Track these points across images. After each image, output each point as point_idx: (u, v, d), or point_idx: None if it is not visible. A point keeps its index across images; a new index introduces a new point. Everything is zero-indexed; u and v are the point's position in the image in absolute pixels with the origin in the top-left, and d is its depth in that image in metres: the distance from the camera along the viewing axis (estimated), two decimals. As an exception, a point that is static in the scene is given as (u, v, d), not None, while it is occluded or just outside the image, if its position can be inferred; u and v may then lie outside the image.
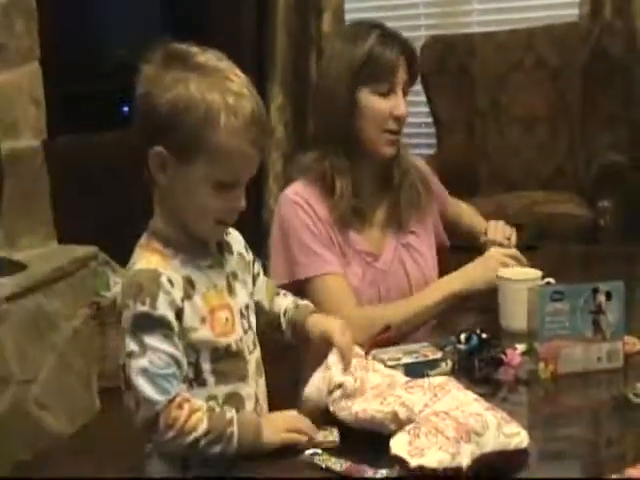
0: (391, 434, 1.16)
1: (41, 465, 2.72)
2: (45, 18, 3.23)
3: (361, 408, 1.26)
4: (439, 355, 1.47)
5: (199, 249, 1.31)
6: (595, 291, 1.49)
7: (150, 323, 1.21)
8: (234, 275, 1.35)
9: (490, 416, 1.18)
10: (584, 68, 3.87)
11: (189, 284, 1.26)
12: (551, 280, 1.73)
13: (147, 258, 1.26)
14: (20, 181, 3.07)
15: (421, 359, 1.46)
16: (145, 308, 1.21)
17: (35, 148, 3.17)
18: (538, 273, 1.73)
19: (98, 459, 2.72)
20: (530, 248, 2.36)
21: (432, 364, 1.45)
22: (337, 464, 1.17)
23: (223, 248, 1.36)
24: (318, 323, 1.42)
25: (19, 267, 2.88)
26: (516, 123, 3.99)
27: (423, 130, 4.27)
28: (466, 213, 2.23)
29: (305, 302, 1.50)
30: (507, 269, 1.76)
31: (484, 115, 4.06)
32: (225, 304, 1.31)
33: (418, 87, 4.05)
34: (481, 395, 1.41)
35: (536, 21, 4.08)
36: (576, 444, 1.29)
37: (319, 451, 1.20)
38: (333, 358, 1.34)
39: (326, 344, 1.37)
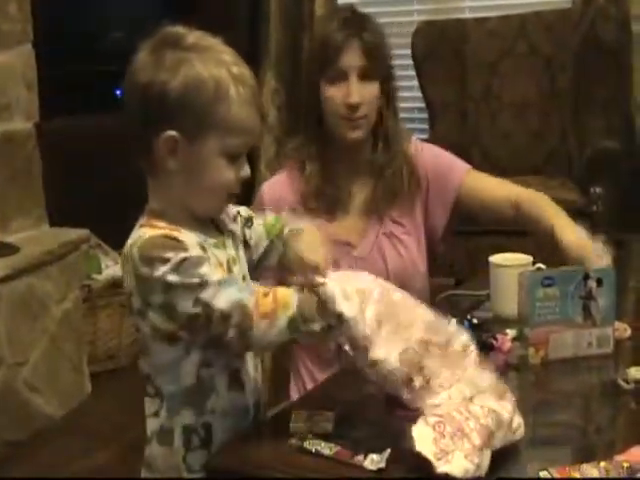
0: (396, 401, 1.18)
1: (33, 446, 2.73)
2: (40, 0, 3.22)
3: (382, 357, 1.21)
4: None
5: (203, 228, 1.30)
6: (586, 277, 1.50)
7: (196, 261, 1.20)
8: (233, 259, 1.34)
9: (505, 412, 1.17)
10: (576, 54, 3.87)
11: (203, 249, 1.26)
12: (542, 266, 1.73)
13: (152, 229, 1.24)
14: (12, 164, 3.06)
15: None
16: (184, 254, 1.19)
17: (27, 131, 3.16)
18: (529, 258, 1.73)
19: (89, 441, 2.73)
20: (522, 233, 2.37)
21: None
22: (326, 448, 1.17)
23: (222, 230, 1.36)
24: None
25: (11, 249, 2.88)
26: (508, 109, 4.00)
27: (416, 115, 4.27)
28: (488, 190, 1.99)
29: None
30: (498, 255, 1.76)
31: (476, 100, 4.06)
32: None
33: (411, 72, 4.06)
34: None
35: (528, 7, 4.08)
36: (566, 430, 1.30)
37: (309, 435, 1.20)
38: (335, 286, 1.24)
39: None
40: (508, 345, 1.52)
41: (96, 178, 3.40)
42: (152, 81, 1.23)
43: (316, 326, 1.19)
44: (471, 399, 1.19)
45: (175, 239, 1.22)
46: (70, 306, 3.09)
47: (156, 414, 1.29)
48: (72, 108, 3.51)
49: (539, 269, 1.70)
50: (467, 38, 4.09)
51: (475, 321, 1.56)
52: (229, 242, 1.35)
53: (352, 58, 1.80)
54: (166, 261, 1.19)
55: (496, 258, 1.75)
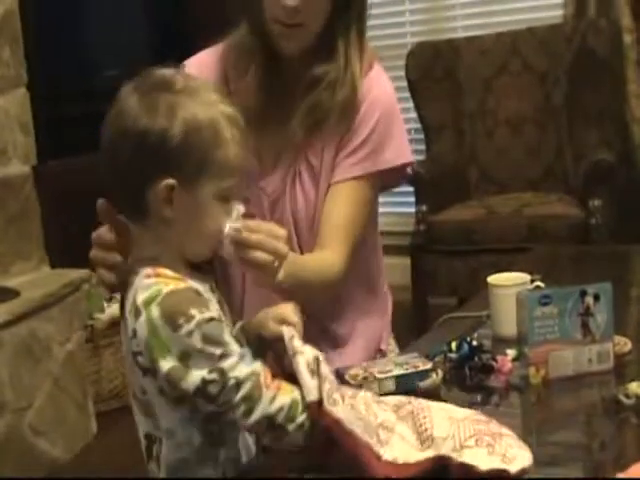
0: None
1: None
2: (31, 41, 3.23)
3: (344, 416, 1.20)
4: (429, 365, 1.45)
5: (198, 275, 1.28)
6: (583, 293, 1.48)
7: (218, 325, 1.18)
8: (221, 302, 1.31)
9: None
10: (569, 68, 3.88)
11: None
12: (540, 284, 1.72)
13: (165, 283, 1.19)
14: (10, 208, 3.07)
15: (411, 370, 1.44)
16: (208, 314, 1.16)
17: (25, 174, 3.17)
18: (527, 277, 1.72)
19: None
20: (523, 250, 2.36)
21: (423, 375, 1.44)
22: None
23: (206, 270, 1.34)
24: (268, 312, 1.35)
25: (11, 294, 2.87)
26: (504, 125, 4.01)
27: (412, 136, 4.28)
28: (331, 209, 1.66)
29: None
30: (496, 275, 1.75)
31: (472, 119, 4.07)
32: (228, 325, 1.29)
33: (406, 94, 4.07)
34: (473, 403, 1.41)
35: (520, 24, 4.09)
36: (570, 448, 1.27)
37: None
38: (295, 341, 1.25)
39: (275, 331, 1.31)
40: (509, 366, 1.50)
41: (94, 217, 3.39)
42: (149, 129, 1.18)
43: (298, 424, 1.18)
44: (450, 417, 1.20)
45: (197, 292, 1.19)
46: (73, 347, 3.08)
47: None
48: (68, 149, 3.52)
49: (537, 287, 1.69)
50: (460, 57, 4.11)
51: (474, 343, 1.54)
52: (213, 283, 1.34)
53: None
54: (190, 319, 1.15)
55: (494, 278, 1.73)
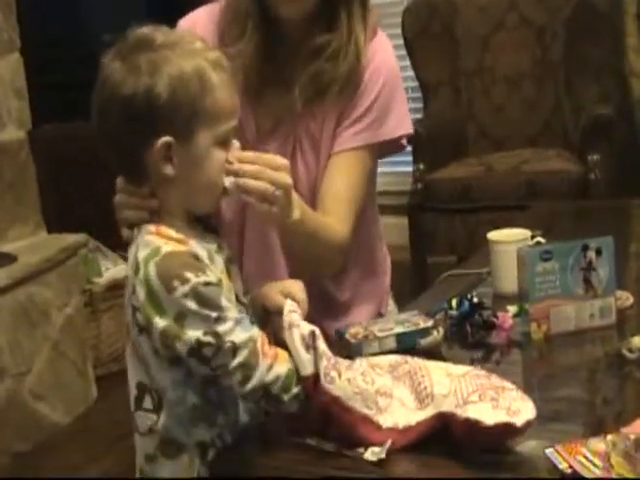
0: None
1: (39, 455, 2.72)
2: (24, 6, 3.20)
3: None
4: (430, 323, 1.44)
5: (203, 233, 1.27)
6: (585, 248, 1.47)
7: (215, 290, 1.16)
8: (230, 260, 1.30)
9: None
10: (568, 22, 3.85)
11: (211, 260, 1.22)
12: (541, 239, 1.71)
13: (166, 242, 1.19)
14: (6, 173, 3.05)
15: (412, 328, 1.43)
16: (204, 278, 1.15)
17: (20, 139, 3.15)
18: (527, 233, 1.71)
19: (95, 446, 2.72)
20: (521, 207, 2.34)
21: (424, 332, 1.42)
22: (328, 444, 1.15)
23: (217, 233, 1.33)
24: (274, 285, 1.35)
25: (9, 259, 2.86)
26: (501, 82, 3.98)
27: (409, 95, 4.24)
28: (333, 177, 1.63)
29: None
30: (496, 231, 1.73)
31: (469, 76, 4.04)
32: (230, 287, 1.27)
33: (402, 52, 4.02)
34: (475, 360, 1.41)
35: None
36: (573, 404, 1.27)
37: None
38: (294, 315, 1.24)
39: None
40: (510, 322, 1.49)
41: (90, 181, 3.38)
42: (134, 91, 1.16)
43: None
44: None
45: (195, 257, 1.17)
46: (72, 312, 3.08)
47: (151, 430, 1.23)
48: (63, 114, 3.49)
49: (538, 243, 1.68)
50: (458, 14, 4.06)
51: (475, 300, 1.53)
52: (223, 242, 1.32)
53: None
54: (185, 282, 1.13)
55: (494, 235, 1.72)
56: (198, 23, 1.65)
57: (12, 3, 3.10)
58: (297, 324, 1.20)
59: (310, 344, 1.17)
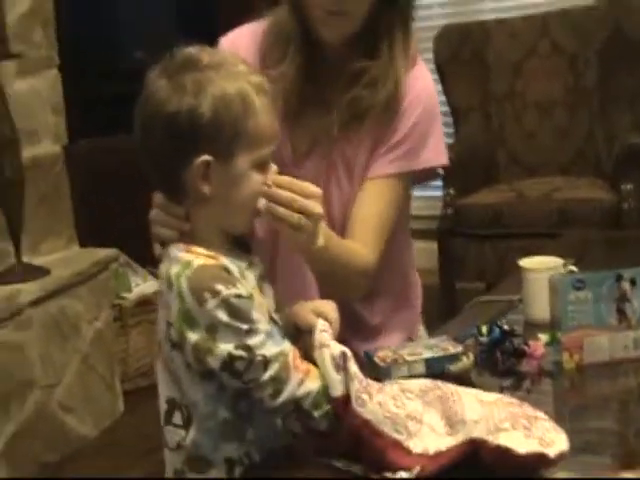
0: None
1: (65, 467, 2.74)
2: (62, 22, 3.24)
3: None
4: (460, 349, 1.44)
5: (236, 251, 1.28)
6: (619, 278, 1.46)
7: (247, 302, 1.17)
8: (262, 277, 1.32)
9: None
10: (601, 50, 3.84)
11: (242, 276, 1.23)
12: (573, 268, 1.70)
13: (196, 257, 1.20)
14: (41, 187, 3.09)
15: (441, 353, 1.43)
16: (235, 290, 1.16)
17: (55, 154, 3.19)
18: (560, 261, 1.70)
19: (121, 460, 2.73)
20: (552, 235, 2.33)
21: (453, 358, 1.42)
22: (357, 467, 1.15)
23: (250, 251, 1.34)
24: (306, 304, 1.36)
25: (42, 272, 2.89)
26: (533, 108, 3.97)
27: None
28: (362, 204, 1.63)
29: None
30: (528, 258, 1.73)
31: (500, 101, 4.04)
32: (263, 304, 1.27)
33: (434, 76, 4.03)
34: (505, 388, 1.40)
35: (551, 5, 4.05)
36: (604, 435, 1.26)
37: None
38: (325, 335, 1.25)
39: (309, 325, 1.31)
40: (541, 351, 1.48)
41: (123, 197, 3.42)
42: (178, 109, 1.18)
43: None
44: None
45: (226, 270, 1.19)
46: (101, 326, 3.10)
47: (179, 446, 1.24)
48: (98, 129, 3.53)
49: (570, 272, 1.67)
50: (489, 40, 4.07)
51: (506, 327, 1.53)
52: (256, 259, 1.33)
53: None
54: (216, 294, 1.15)
55: (526, 262, 1.72)
56: (240, 44, 1.66)
57: (51, 20, 3.14)
58: (328, 344, 1.21)
59: (341, 365, 1.18)
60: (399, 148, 1.63)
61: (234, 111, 1.20)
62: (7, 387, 2.63)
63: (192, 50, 1.24)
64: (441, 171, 1.74)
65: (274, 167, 1.27)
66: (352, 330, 1.61)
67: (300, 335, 1.32)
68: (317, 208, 1.28)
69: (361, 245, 1.59)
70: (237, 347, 1.16)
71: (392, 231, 1.65)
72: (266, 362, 1.17)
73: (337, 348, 1.20)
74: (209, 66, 1.22)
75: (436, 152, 1.67)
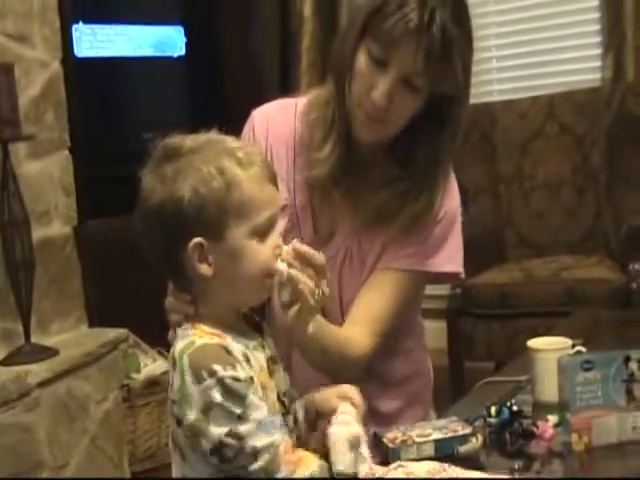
0: None
1: None
2: (72, 104, 3.29)
3: None
4: (469, 430, 1.44)
5: (244, 330, 1.29)
6: (627, 359, 1.46)
7: (244, 387, 1.17)
8: (273, 359, 1.32)
9: None
10: (608, 131, 3.88)
11: (247, 359, 1.23)
12: (581, 349, 1.70)
13: (201, 336, 1.21)
14: (51, 267, 3.10)
15: (451, 434, 1.43)
16: (232, 372, 1.17)
17: (66, 234, 3.21)
18: (568, 342, 1.70)
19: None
20: (561, 314, 2.32)
21: (462, 439, 1.42)
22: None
23: (262, 331, 1.35)
24: (331, 390, 1.35)
25: (50, 353, 2.89)
26: (541, 188, 4.00)
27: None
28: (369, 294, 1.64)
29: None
30: (536, 339, 1.73)
31: (508, 182, 4.07)
32: (270, 386, 1.28)
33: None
34: (515, 469, 1.39)
35: (557, 87, 4.10)
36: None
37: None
38: (345, 416, 1.26)
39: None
40: (550, 432, 1.47)
41: (132, 277, 3.43)
42: (162, 198, 1.21)
43: None
44: None
45: (227, 350, 1.19)
46: (110, 406, 3.08)
47: None
48: (106, 210, 3.56)
49: (578, 352, 1.67)
50: (496, 121, 4.12)
51: (515, 408, 1.52)
52: (268, 340, 1.34)
53: (406, 59, 1.43)
54: (213, 374, 1.16)
55: (534, 342, 1.72)
56: (273, 118, 1.67)
57: (63, 103, 3.19)
58: (346, 422, 1.22)
59: (355, 445, 1.18)
60: (413, 247, 1.64)
61: (215, 188, 1.20)
62: (17, 468, 2.60)
63: (175, 139, 1.26)
64: (463, 275, 1.73)
65: (279, 242, 1.27)
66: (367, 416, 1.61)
67: (321, 420, 1.32)
68: (327, 290, 1.30)
69: (357, 333, 1.59)
70: (227, 435, 1.16)
71: (394, 324, 1.65)
72: (256, 452, 1.17)
73: (355, 429, 1.21)
74: (191, 150, 1.23)
75: (451, 258, 1.68)
